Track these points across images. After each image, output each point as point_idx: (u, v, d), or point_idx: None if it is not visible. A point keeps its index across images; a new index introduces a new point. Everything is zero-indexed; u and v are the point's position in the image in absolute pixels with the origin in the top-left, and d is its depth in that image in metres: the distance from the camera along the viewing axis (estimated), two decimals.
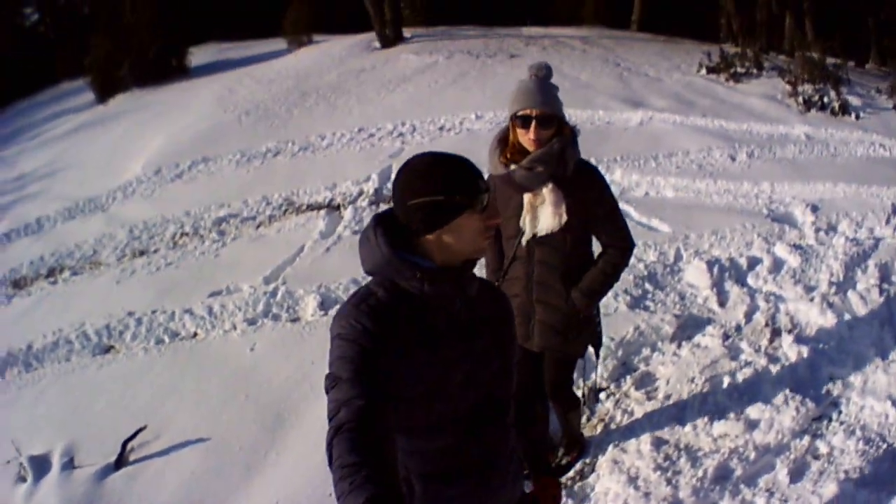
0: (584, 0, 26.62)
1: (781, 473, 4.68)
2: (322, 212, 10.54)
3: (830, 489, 4.46)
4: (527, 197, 4.27)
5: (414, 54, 19.68)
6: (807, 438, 4.99)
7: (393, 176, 2.56)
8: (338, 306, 6.80)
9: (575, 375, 5.47)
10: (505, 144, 4.32)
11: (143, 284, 9.80)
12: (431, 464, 2.67)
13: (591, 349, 4.83)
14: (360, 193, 11.04)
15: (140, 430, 6.53)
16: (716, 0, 21.77)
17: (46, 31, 35.26)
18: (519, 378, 4.68)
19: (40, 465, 6.43)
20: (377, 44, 21.73)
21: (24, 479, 6.35)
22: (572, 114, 12.18)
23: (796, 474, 4.69)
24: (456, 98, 15.36)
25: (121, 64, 23.33)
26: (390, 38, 21.86)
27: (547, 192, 4.19)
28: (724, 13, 20.41)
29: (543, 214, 4.24)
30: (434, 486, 2.68)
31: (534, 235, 4.34)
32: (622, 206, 8.52)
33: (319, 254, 9.36)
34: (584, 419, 5.59)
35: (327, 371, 2.41)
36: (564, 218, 4.20)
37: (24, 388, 7.96)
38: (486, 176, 4.19)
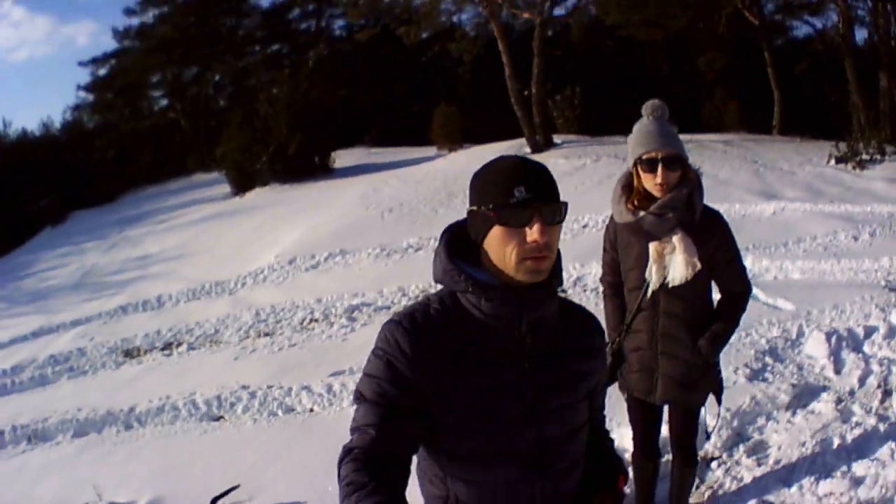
0: (727, 108, 28.02)
1: None
2: None
3: None
4: (653, 246, 4.25)
5: (563, 158, 20.35)
6: None
7: None
8: None
9: None
10: (630, 191, 4.33)
11: (263, 362, 9.90)
12: (480, 498, 2.51)
13: (712, 398, 4.75)
14: None
15: (233, 488, 6.46)
16: (846, 101, 23.02)
17: (178, 119, 36.69)
18: (639, 434, 4.88)
19: None
20: (528, 149, 22.50)
21: None
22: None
23: None
24: (602, 198, 15.10)
25: (258, 158, 24.42)
26: (540, 143, 22.82)
27: (677, 240, 4.17)
28: (854, 108, 21.40)
29: (674, 263, 4.20)
30: None
31: (663, 290, 4.31)
32: (753, 290, 8.80)
33: None
34: (693, 487, 5.47)
35: None
36: (698, 266, 4.18)
37: (119, 444, 8.06)
38: (611, 217, 4.33)
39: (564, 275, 11.35)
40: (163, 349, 11.25)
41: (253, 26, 39.99)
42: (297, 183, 23.66)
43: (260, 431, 7.78)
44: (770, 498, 5.28)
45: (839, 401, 6.37)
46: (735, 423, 6.32)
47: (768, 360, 7.41)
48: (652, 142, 4.10)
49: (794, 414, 6.34)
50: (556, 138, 23.59)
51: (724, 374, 6.17)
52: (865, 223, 11.39)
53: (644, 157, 4.11)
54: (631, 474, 5.21)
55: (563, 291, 10.79)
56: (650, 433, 4.89)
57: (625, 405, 4.88)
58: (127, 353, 11.32)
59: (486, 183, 2.36)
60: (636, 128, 4.23)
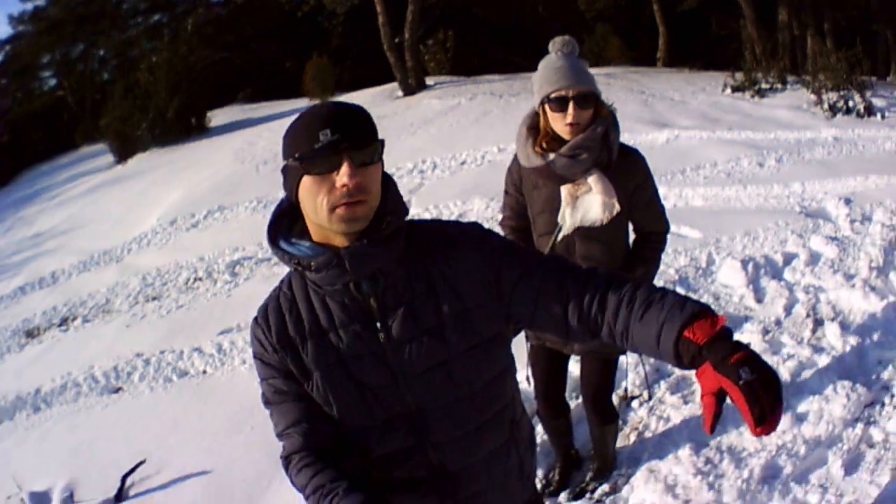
0: (609, 44, 27.24)
1: (835, 467, 4.41)
2: None
3: (889, 478, 4.21)
4: (565, 188, 3.84)
5: (437, 99, 19.95)
6: (860, 427, 4.73)
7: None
8: None
9: None
10: (536, 132, 3.88)
11: (154, 327, 9.78)
12: (378, 471, 2.37)
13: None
14: None
15: (140, 464, 6.43)
16: (738, 34, 22.57)
17: (65, 97, 35.74)
18: (544, 388, 4.57)
19: (40, 501, 6.37)
20: (400, 92, 22.16)
21: None
22: None
23: (851, 466, 4.41)
24: (478, 135, 15.43)
25: (138, 125, 24.03)
26: (412, 86, 22.26)
27: (593, 181, 3.75)
28: (748, 42, 20.64)
29: (590, 205, 3.80)
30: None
31: (577, 233, 3.94)
32: None
33: None
34: (616, 438, 5.27)
35: None
36: (617, 208, 3.80)
37: (30, 429, 7.95)
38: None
39: (446, 212, 11.38)
40: (60, 325, 11.02)
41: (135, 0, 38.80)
42: (176, 145, 23.25)
43: (157, 400, 7.73)
44: (705, 438, 4.91)
45: (766, 331, 6.00)
46: (652, 360, 5.74)
47: (680, 289, 6.75)
48: (561, 79, 3.65)
49: None
50: (429, 80, 23.23)
51: None
52: (770, 150, 10.96)
53: (553, 95, 3.67)
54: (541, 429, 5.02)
55: None
56: (558, 386, 4.64)
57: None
58: (28, 333, 11.07)
59: (293, 133, 2.11)
60: (542, 65, 3.77)
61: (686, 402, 5.45)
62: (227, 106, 27.98)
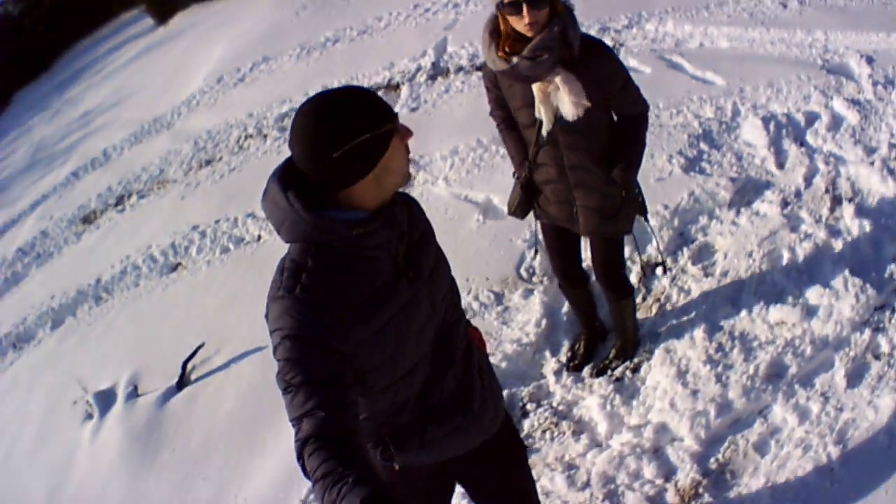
0: None
1: (839, 375, 4.38)
2: (380, 92, 10.13)
3: (887, 402, 4.12)
4: (536, 87, 3.84)
5: None
6: (867, 332, 4.60)
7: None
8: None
9: (627, 252, 5.24)
10: (499, 36, 3.80)
11: (208, 195, 9.63)
12: (413, 411, 2.60)
13: (641, 221, 4.57)
14: (418, 69, 10.60)
15: (199, 348, 6.40)
16: None
17: None
18: (559, 263, 4.74)
19: (106, 400, 6.43)
20: None
21: (90, 416, 6.38)
22: None
23: (854, 377, 4.37)
24: None
25: None
26: None
27: (560, 80, 3.74)
28: None
29: (561, 103, 3.81)
30: (422, 431, 2.65)
31: (556, 122, 3.93)
32: (677, 59, 8.10)
33: None
34: (639, 298, 5.36)
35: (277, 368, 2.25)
36: (586, 104, 3.78)
37: (93, 323, 8.00)
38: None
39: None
40: (116, 205, 10.96)
41: None
42: None
43: (215, 273, 7.66)
44: (719, 321, 4.99)
45: (785, 203, 5.86)
46: (676, 223, 5.94)
47: (703, 146, 6.74)
48: None
49: (737, 213, 5.88)
50: None
51: (658, 162, 5.85)
52: None
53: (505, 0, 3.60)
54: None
55: None
56: (572, 259, 4.74)
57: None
58: (85, 219, 11.06)
59: (359, 111, 2.21)
60: None
61: (707, 275, 5.43)
62: None
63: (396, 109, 8.95)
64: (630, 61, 8.31)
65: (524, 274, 5.86)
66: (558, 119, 3.89)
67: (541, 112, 3.92)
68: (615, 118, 4.15)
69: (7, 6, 38.88)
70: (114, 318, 7.84)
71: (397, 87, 10.28)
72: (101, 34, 27.66)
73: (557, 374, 5.04)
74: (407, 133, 2.30)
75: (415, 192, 7.23)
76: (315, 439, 2.11)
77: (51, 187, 13.33)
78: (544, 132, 3.99)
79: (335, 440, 2.11)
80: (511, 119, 4.22)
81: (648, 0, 9.95)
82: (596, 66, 3.82)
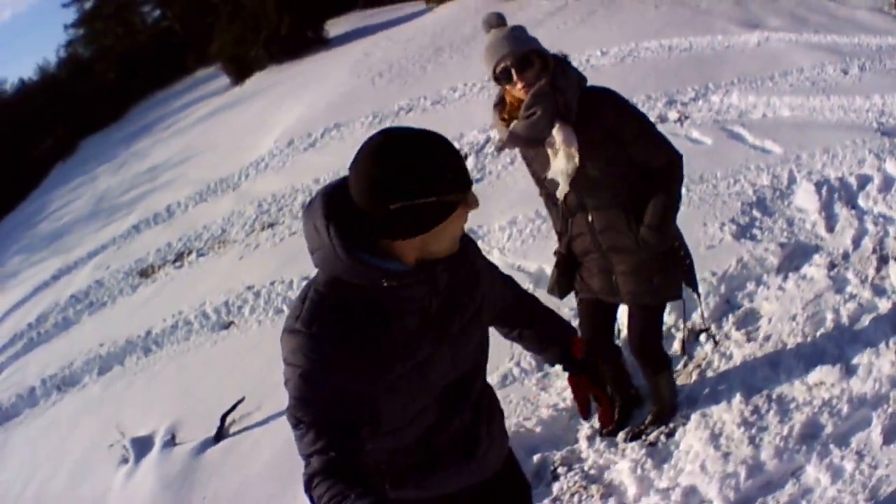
0: None
1: (875, 432, 4.32)
2: None
3: None
4: (549, 150, 3.97)
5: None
6: None
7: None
8: None
9: (672, 319, 5.41)
10: (503, 106, 4.06)
11: (266, 257, 10.05)
12: (415, 454, 2.58)
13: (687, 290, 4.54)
14: (487, 141, 11.00)
15: (239, 402, 6.65)
16: None
17: (172, 26, 36.53)
18: (590, 337, 4.60)
19: (143, 446, 6.69)
20: None
21: (126, 461, 6.64)
22: (693, 41, 12.16)
23: (891, 434, 4.31)
24: (583, 37, 15.20)
25: (252, 46, 24.32)
26: None
27: (555, 132, 3.86)
28: None
29: (559, 158, 3.94)
30: (422, 473, 2.63)
31: (580, 187, 4.04)
32: (738, 129, 8.40)
33: None
34: (680, 365, 5.42)
35: (287, 404, 2.28)
36: (576, 156, 3.89)
37: (139, 373, 8.36)
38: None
39: None
40: (174, 261, 11.45)
41: None
42: (294, 60, 23.52)
43: (264, 334, 7.93)
44: (757, 383, 4.99)
45: (832, 266, 5.92)
46: (723, 289, 6.01)
47: (756, 213, 6.87)
48: (494, 53, 3.81)
49: (785, 278, 5.95)
50: None
51: (710, 230, 5.89)
52: (854, 56, 10.50)
53: (497, 70, 3.82)
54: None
55: None
56: (603, 334, 4.68)
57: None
58: (142, 273, 11.55)
59: (435, 170, 2.13)
60: (484, 45, 3.92)
61: (750, 339, 5.44)
62: (347, 13, 28.01)
63: None
64: (693, 132, 8.72)
65: None
66: (575, 181, 3.98)
67: (554, 174, 4.02)
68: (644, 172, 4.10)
69: (77, 46, 40.37)
70: (160, 369, 8.19)
71: (465, 157, 10.48)
72: (174, 89, 28.47)
73: (591, 439, 5.07)
74: (473, 205, 2.22)
75: None
76: (323, 477, 2.14)
77: (110, 238, 13.91)
78: (560, 194, 4.08)
79: (343, 475, 2.13)
80: (551, 195, 4.27)
81: (716, 72, 10.47)
82: (596, 114, 3.87)
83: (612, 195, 4.03)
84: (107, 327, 9.97)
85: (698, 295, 4.75)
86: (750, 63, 11.05)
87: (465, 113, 12.53)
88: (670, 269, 4.29)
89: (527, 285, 6.43)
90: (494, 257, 7.46)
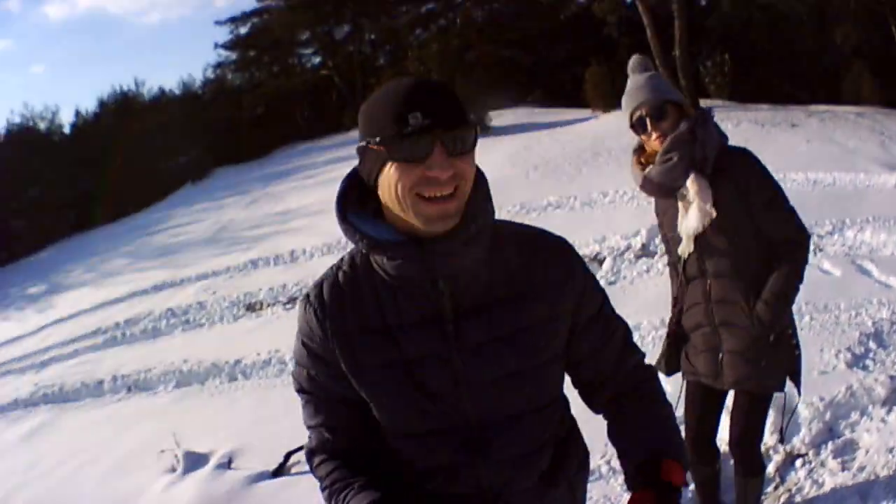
0: (866, 83, 26.76)
1: None
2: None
3: None
4: (680, 203, 3.90)
5: None
6: None
7: None
8: None
9: (773, 441, 5.32)
10: (643, 151, 4.04)
11: None
12: (421, 481, 2.27)
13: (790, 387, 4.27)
14: (628, 248, 10.86)
15: None
16: None
17: (331, 76, 37.18)
18: (695, 429, 4.43)
19: (195, 461, 6.54)
20: None
21: (173, 470, 6.50)
22: (837, 176, 12.47)
23: None
24: None
25: None
26: None
27: (689, 183, 3.78)
28: None
29: (692, 212, 3.83)
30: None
31: (702, 250, 3.95)
32: (867, 264, 8.56)
33: None
34: (771, 487, 5.22)
35: None
36: (712, 214, 3.77)
37: (216, 395, 8.28)
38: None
39: None
40: (286, 303, 11.36)
41: None
42: None
43: None
44: None
45: None
46: (828, 416, 5.85)
47: (872, 344, 6.81)
48: (632, 100, 3.83)
49: (889, 411, 5.80)
50: (703, 102, 22.93)
51: (825, 356, 5.80)
52: None
53: (634, 118, 3.83)
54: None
55: None
56: (708, 428, 4.51)
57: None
58: (249, 307, 11.50)
59: (374, 111, 1.97)
60: (625, 90, 3.94)
61: (845, 468, 5.32)
62: (516, 107, 28.34)
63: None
64: (824, 263, 8.78)
65: None
66: (698, 242, 3.90)
67: (680, 230, 3.92)
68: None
69: (227, 70, 41.09)
70: (240, 398, 8.07)
71: (603, 260, 10.54)
72: (323, 142, 29.00)
73: None
74: (423, 170, 1.90)
75: None
76: (322, 455, 2.17)
77: (224, 267, 14.01)
78: (682, 252, 3.99)
79: (341, 455, 2.15)
80: (673, 259, 4.23)
81: (853, 208, 10.69)
82: (734, 172, 3.82)
83: (732, 263, 3.94)
84: (196, 347, 9.97)
85: (799, 391, 4.44)
86: (886, 202, 11.21)
87: (611, 218, 12.55)
88: (778, 356, 4.08)
89: None
90: None
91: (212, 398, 8.18)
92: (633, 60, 3.96)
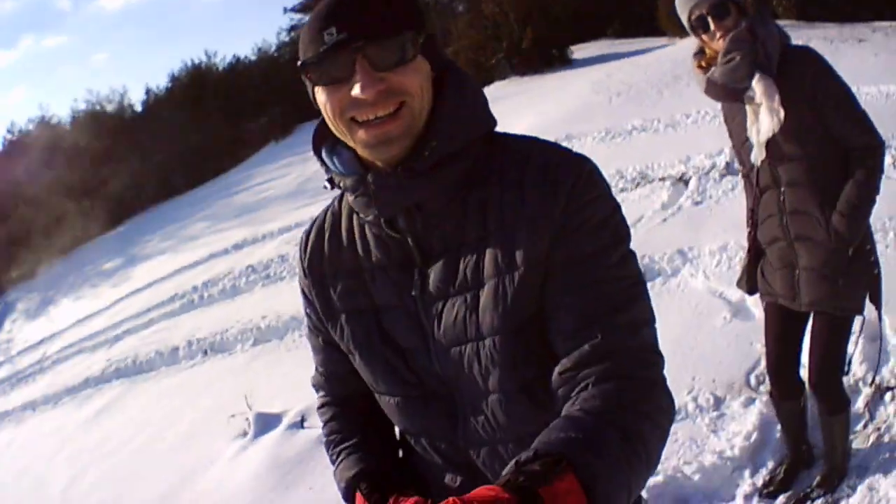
0: None
1: None
2: (667, 182, 10.28)
3: None
4: (748, 107, 3.71)
5: None
6: None
7: None
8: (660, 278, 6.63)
9: (862, 371, 5.04)
10: (703, 55, 3.84)
11: None
12: (413, 449, 1.97)
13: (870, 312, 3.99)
14: (712, 167, 10.50)
15: None
16: None
17: None
18: (775, 355, 4.30)
19: (266, 423, 6.38)
20: None
21: (244, 435, 6.35)
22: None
23: None
24: None
25: (493, 54, 25.26)
26: None
27: (755, 84, 3.58)
28: None
29: (762, 116, 3.63)
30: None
31: (774, 156, 3.73)
32: None
33: (656, 223, 8.96)
34: (860, 426, 4.88)
35: None
36: (781, 113, 3.54)
37: (293, 351, 8.08)
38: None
39: None
40: None
41: None
42: (536, 74, 24.09)
43: None
44: None
45: None
46: None
47: None
48: None
49: None
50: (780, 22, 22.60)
51: None
52: None
53: (692, 18, 3.63)
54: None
55: None
56: (788, 356, 4.25)
57: None
58: None
59: (301, 36, 1.68)
60: None
61: None
62: (595, 40, 28.59)
63: (681, 201, 9.30)
64: None
65: (752, 381, 5.47)
66: (769, 148, 3.70)
67: (752, 134, 3.74)
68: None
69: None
70: None
71: (688, 180, 10.31)
72: None
73: (749, 497, 4.62)
74: (341, 89, 1.59)
75: (674, 281, 7.21)
76: (321, 396, 2.09)
77: (308, 217, 13.70)
78: (755, 159, 3.77)
79: (338, 403, 2.04)
80: (747, 167, 4.03)
81: None
82: (801, 71, 3.63)
83: (806, 170, 3.73)
84: (276, 301, 9.80)
85: (880, 314, 4.11)
86: None
87: (695, 138, 12.28)
88: (856, 275, 3.86)
89: (724, 314, 6.25)
90: (698, 281, 7.06)
91: (289, 353, 8.02)
92: None
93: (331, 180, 1.78)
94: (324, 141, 1.80)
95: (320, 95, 1.63)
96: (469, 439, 1.82)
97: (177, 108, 31.17)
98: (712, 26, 3.59)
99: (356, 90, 1.55)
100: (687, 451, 4.90)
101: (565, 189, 1.65)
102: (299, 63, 1.64)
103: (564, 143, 12.97)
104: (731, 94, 3.74)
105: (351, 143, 1.67)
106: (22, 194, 27.81)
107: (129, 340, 10.44)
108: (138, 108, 35.24)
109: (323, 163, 1.79)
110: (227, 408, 6.81)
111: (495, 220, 1.69)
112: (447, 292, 1.72)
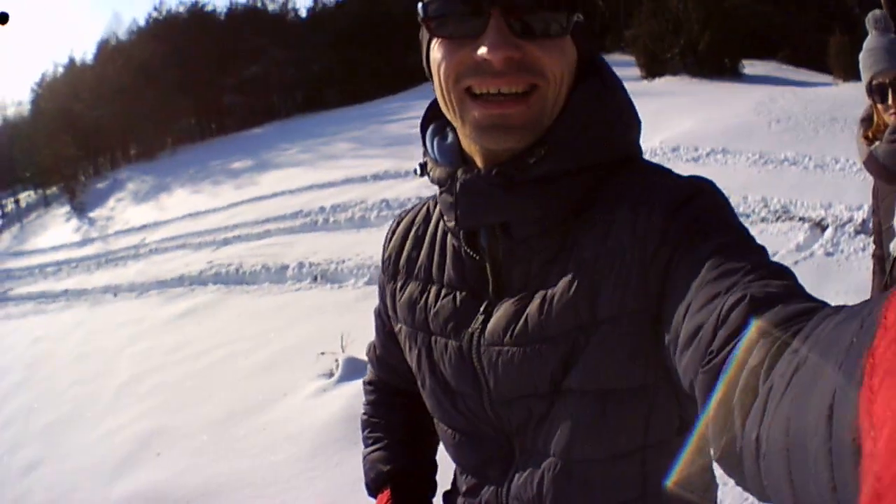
0: None
1: None
2: (806, 225, 10.15)
3: None
4: None
5: None
6: None
7: None
8: None
9: None
10: (870, 124, 3.52)
11: None
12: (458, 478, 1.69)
13: None
14: (850, 220, 10.30)
15: None
16: None
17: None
18: None
19: (355, 369, 6.24)
20: None
21: (330, 375, 6.22)
22: None
23: None
24: None
25: (669, 48, 25.42)
26: None
27: None
28: None
29: None
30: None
31: None
32: None
33: (789, 263, 8.73)
34: None
35: None
36: None
37: None
38: None
39: None
40: None
41: None
42: (706, 79, 24.18)
43: None
44: None
45: None
46: None
47: None
48: (875, 63, 3.29)
49: None
50: None
51: None
52: None
53: (873, 83, 3.30)
54: None
55: None
56: None
57: None
58: None
59: None
60: (864, 46, 3.41)
61: None
62: (766, 59, 29.06)
63: (814, 248, 9.19)
64: None
65: None
66: None
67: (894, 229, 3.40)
68: None
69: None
70: None
71: (826, 227, 10.15)
72: None
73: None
74: (472, 52, 1.24)
75: None
76: (369, 373, 2.00)
77: None
78: (892, 249, 3.38)
79: (385, 387, 1.93)
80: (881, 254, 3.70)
81: None
82: None
83: None
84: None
85: None
86: None
87: (840, 185, 12.09)
88: None
89: None
90: None
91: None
92: (875, 15, 3.40)
93: (424, 166, 1.48)
94: (435, 120, 1.51)
95: (436, 51, 1.29)
96: (518, 496, 1.48)
97: (349, 23, 31.20)
98: (890, 99, 3.29)
99: (483, 49, 1.22)
100: None
101: (678, 209, 1.26)
102: (420, 4, 1.30)
103: (720, 157, 12.91)
104: (889, 177, 3.43)
105: (458, 127, 1.35)
106: (161, 75, 27.89)
107: (238, 247, 10.46)
108: (303, 14, 35.44)
109: (424, 144, 1.51)
110: (320, 343, 6.71)
111: (588, 265, 1.31)
112: (507, 343, 1.38)
